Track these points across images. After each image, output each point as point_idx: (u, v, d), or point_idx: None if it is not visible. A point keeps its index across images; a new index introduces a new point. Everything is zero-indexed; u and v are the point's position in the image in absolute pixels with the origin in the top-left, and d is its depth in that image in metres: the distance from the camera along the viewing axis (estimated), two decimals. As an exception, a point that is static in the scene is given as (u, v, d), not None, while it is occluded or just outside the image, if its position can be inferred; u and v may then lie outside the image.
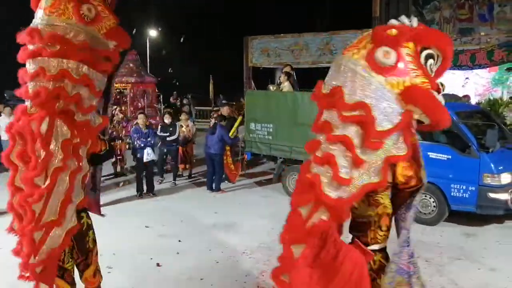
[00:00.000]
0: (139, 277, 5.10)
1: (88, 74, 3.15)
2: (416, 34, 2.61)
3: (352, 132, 2.57)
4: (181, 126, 10.51)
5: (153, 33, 29.84)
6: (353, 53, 2.69)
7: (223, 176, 9.56)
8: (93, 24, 3.15)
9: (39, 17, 3.12)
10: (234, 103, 16.42)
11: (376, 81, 2.56)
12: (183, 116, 10.86)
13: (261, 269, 5.31)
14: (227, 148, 9.41)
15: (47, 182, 3.00)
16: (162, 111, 14.20)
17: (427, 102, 2.55)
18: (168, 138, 9.69)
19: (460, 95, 14.47)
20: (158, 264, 5.46)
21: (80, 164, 3.16)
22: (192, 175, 10.68)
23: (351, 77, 2.63)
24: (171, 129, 9.76)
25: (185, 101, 20.50)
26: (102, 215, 4.04)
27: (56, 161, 3.03)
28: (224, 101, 13.79)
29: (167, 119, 9.97)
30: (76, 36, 3.09)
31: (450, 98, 12.10)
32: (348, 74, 2.65)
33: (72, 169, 3.10)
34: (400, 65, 2.55)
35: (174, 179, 9.93)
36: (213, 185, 9.25)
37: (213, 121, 10.37)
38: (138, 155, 8.82)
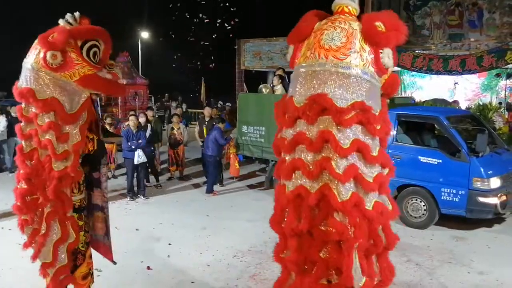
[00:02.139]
0: (129, 281, 5.06)
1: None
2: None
3: None
4: (172, 128, 10.49)
5: (145, 34, 29.72)
6: None
7: (217, 178, 9.55)
8: (61, 70, 3.23)
9: (30, 57, 3.31)
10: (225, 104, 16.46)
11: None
12: (174, 119, 10.83)
13: (252, 272, 5.30)
14: (231, 143, 9.54)
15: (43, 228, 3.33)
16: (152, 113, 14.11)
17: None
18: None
19: (450, 99, 14.65)
20: (148, 268, 5.41)
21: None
22: (183, 177, 10.62)
23: None
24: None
25: (173, 104, 20.46)
26: (114, 263, 4.04)
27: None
28: (218, 105, 13.85)
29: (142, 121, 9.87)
30: (36, 81, 3.24)
31: (440, 103, 12.25)
32: None
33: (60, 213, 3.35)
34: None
35: (157, 180, 9.93)
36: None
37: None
38: (129, 157, 8.76)
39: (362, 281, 2.57)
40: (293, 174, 2.65)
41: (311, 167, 2.56)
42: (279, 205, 2.76)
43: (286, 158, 2.72)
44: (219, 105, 19.60)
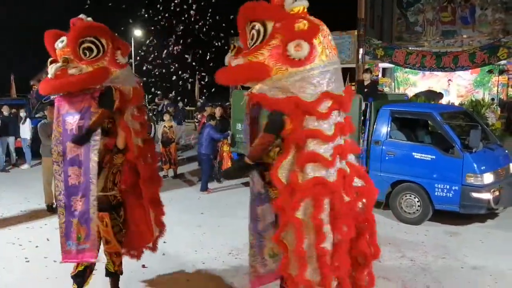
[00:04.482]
0: (124, 279, 5.02)
1: None
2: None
3: None
4: (164, 126, 10.45)
5: (138, 33, 29.53)
6: None
7: (212, 175, 9.55)
8: None
9: None
10: (219, 103, 16.41)
11: None
12: (166, 117, 10.79)
13: (247, 269, 5.29)
14: (225, 141, 9.52)
15: None
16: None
17: None
18: None
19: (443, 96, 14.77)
20: (143, 266, 5.38)
21: None
22: (178, 176, 10.60)
23: None
24: None
25: (165, 102, 20.41)
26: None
27: None
28: (206, 104, 13.82)
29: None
30: None
31: (425, 94, 12.36)
32: None
33: None
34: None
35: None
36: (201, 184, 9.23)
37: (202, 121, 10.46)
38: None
39: None
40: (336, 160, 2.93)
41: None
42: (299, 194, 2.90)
43: (324, 148, 2.88)
44: (199, 104, 19.62)
